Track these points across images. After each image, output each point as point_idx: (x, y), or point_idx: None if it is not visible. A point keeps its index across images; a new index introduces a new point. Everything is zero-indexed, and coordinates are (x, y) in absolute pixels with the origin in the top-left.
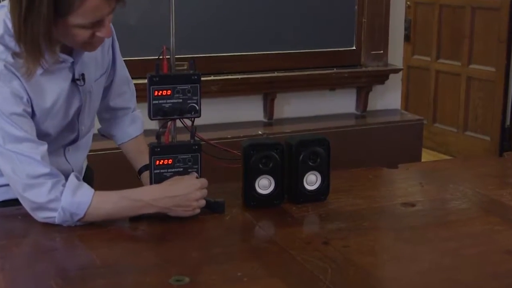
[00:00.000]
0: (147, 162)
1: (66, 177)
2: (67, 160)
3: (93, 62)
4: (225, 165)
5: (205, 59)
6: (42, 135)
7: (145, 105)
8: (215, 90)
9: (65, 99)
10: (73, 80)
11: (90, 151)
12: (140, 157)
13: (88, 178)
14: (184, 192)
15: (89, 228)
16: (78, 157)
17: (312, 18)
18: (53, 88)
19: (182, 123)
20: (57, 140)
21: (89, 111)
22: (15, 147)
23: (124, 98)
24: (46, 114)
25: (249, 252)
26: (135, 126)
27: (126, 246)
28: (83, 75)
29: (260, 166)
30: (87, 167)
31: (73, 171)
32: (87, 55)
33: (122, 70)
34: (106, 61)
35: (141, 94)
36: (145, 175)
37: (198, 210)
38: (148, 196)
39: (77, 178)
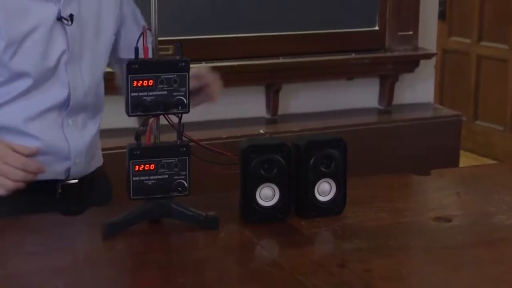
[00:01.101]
0: None
1: (62, 156)
2: (65, 136)
3: (94, 18)
4: (220, 171)
5: (195, 42)
6: (19, 74)
7: (121, 98)
8: None
9: (45, 34)
10: (59, 19)
11: (103, 149)
12: None
13: (103, 190)
14: None
15: (54, 246)
16: (80, 138)
17: None
18: (35, 13)
19: (167, 120)
20: (46, 93)
21: (82, 66)
22: None
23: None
24: (19, 42)
25: (249, 277)
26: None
27: (98, 272)
28: (71, 15)
29: (262, 172)
30: (104, 177)
31: (70, 153)
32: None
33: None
34: (113, 20)
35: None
36: None
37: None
38: None
39: None
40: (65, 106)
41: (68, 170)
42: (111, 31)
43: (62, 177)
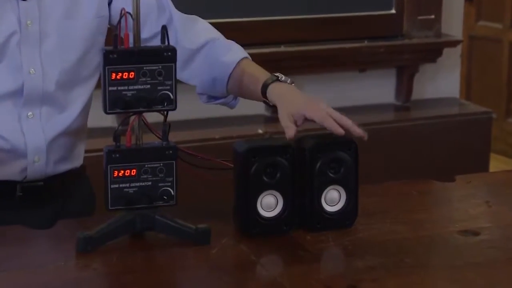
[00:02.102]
0: (267, 74)
1: (18, 153)
2: (22, 129)
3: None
4: (212, 177)
5: None
6: None
7: (98, 93)
8: None
9: None
10: None
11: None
12: (257, 75)
13: (83, 198)
14: None
15: (16, 265)
16: (41, 133)
17: None
18: None
19: (143, 121)
20: None
21: (42, 49)
22: None
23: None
24: None
25: None
26: (231, 53)
27: None
28: None
29: (264, 178)
30: (85, 182)
31: (26, 150)
32: None
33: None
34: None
35: None
36: (277, 87)
37: None
38: None
39: None
40: (19, 95)
41: (25, 170)
42: (91, 13)
43: (18, 177)
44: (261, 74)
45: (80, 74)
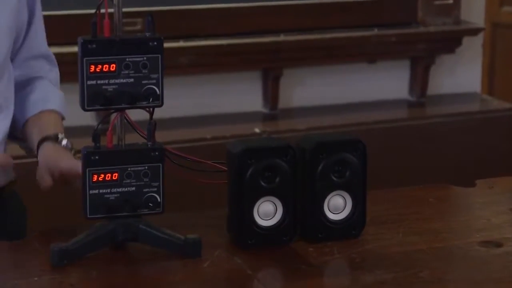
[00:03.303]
0: (52, 131)
1: None
2: None
3: None
4: (204, 181)
5: (170, 15)
6: None
7: (75, 87)
8: (187, 64)
9: None
10: None
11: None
12: (44, 129)
13: (15, 216)
14: None
15: None
16: None
17: None
18: None
19: (126, 118)
20: None
21: None
22: None
23: (34, 66)
24: None
25: None
26: (48, 96)
27: None
28: None
29: (262, 183)
30: (16, 198)
31: None
32: None
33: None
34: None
35: (68, 70)
36: (48, 147)
37: None
38: None
39: None
40: None
41: None
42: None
43: None
44: (48, 130)
45: (8, 69)
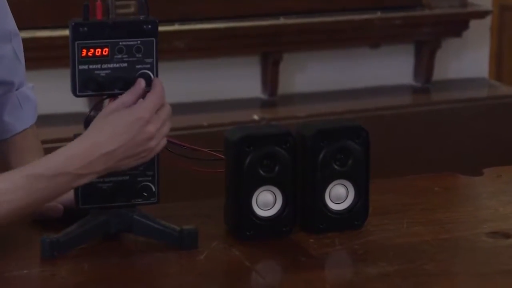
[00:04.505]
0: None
1: None
2: None
3: None
4: (201, 169)
5: None
6: None
7: (66, 72)
8: (182, 48)
9: None
10: None
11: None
12: None
13: None
14: (128, 135)
15: None
16: None
17: None
18: None
19: None
20: None
21: None
22: None
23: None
24: None
25: None
26: (21, 113)
27: None
28: None
29: (261, 171)
30: None
31: None
32: None
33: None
34: None
35: (58, 55)
36: None
37: (159, 148)
38: (73, 164)
39: None
40: None
41: None
42: None
43: None
44: None
45: None
